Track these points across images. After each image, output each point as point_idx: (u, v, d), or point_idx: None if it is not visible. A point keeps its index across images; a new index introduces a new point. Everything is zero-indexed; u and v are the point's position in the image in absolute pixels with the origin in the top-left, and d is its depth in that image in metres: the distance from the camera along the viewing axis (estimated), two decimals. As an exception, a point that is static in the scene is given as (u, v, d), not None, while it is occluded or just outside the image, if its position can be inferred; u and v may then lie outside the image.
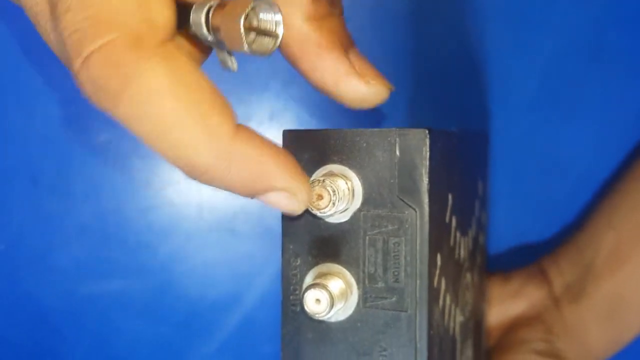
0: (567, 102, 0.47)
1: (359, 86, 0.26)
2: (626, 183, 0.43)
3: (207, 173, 0.21)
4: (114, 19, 0.19)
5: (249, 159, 0.21)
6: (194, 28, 0.23)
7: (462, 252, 0.34)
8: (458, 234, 0.32)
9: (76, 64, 0.19)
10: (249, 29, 0.23)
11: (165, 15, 0.21)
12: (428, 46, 0.48)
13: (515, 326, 0.42)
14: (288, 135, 0.27)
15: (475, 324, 0.38)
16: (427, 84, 0.48)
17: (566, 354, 0.40)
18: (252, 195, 0.23)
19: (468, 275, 0.35)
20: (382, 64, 0.48)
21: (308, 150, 0.27)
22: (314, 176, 0.26)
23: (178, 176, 0.47)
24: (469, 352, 0.36)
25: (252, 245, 0.47)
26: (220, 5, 0.23)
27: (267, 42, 0.24)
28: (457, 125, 0.45)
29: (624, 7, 0.47)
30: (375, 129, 0.26)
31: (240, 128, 0.21)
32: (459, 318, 0.33)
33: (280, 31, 0.24)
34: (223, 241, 0.46)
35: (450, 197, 0.29)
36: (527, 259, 0.47)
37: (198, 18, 0.23)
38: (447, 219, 0.29)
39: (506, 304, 0.43)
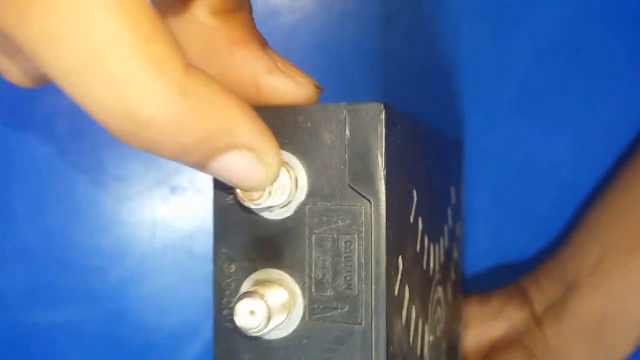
0: (548, 107, 0.44)
1: (286, 84, 0.22)
2: (610, 193, 0.41)
3: (152, 126, 0.15)
4: None
5: (208, 103, 0.16)
6: None
7: (433, 262, 0.29)
8: (427, 240, 0.28)
9: None
10: None
11: None
12: (399, 47, 0.44)
13: (494, 350, 0.39)
14: None
15: (449, 346, 0.34)
16: (398, 88, 0.45)
17: None
18: (205, 158, 0.17)
19: (440, 289, 0.31)
20: (351, 67, 0.46)
21: None
22: None
23: (129, 191, 0.43)
24: (442, 378, 0.31)
25: (211, 268, 0.43)
26: None
27: None
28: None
29: (602, 5, 0.44)
30: (320, 105, 0.22)
31: (192, 66, 0.16)
32: (429, 337, 0.28)
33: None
34: (180, 263, 0.43)
35: (415, 193, 0.25)
36: (506, 278, 0.44)
37: None
38: (411, 218, 0.25)
39: (485, 325, 0.40)
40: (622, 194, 0.40)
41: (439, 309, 0.31)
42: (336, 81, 0.43)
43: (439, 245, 0.31)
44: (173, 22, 0.22)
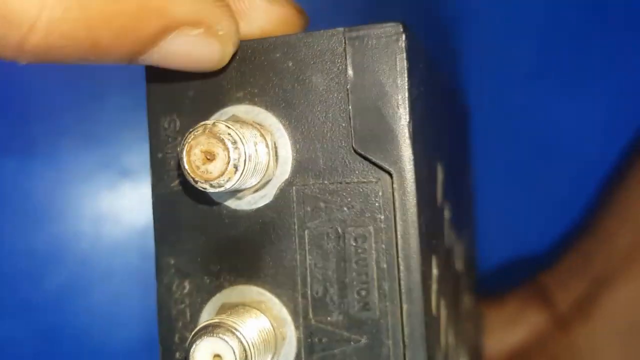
0: (568, 70, 0.38)
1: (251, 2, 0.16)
2: (638, 168, 0.36)
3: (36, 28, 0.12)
4: None
5: None
6: None
7: (458, 262, 0.22)
8: (453, 234, 0.20)
9: None
10: None
11: None
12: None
13: (514, 359, 0.35)
14: None
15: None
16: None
17: None
18: (133, 54, 0.14)
19: (466, 297, 0.24)
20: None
21: (192, 84, 0.15)
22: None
23: (67, 176, 0.36)
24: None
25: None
26: None
27: None
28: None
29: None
30: (305, 34, 0.15)
31: None
32: (463, 363, 0.21)
33: None
34: (131, 265, 0.37)
35: (439, 168, 0.18)
36: (521, 274, 0.38)
37: None
38: (438, 202, 0.17)
39: (502, 332, 0.36)
40: None
41: (466, 324, 0.24)
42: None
43: (462, 241, 0.24)
44: None
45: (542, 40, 0.38)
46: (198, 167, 0.13)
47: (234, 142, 0.13)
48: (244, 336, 0.13)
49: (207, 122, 0.13)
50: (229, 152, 0.13)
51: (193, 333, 0.13)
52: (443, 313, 0.17)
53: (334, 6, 0.39)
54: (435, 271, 0.16)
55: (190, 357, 0.13)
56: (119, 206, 0.37)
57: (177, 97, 0.15)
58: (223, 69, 0.15)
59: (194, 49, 0.14)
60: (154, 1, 0.13)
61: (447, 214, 0.19)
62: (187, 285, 0.15)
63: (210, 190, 0.13)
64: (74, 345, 0.36)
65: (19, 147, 0.36)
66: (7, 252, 0.36)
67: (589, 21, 0.38)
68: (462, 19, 0.39)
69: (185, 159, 0.13)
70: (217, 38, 0.14)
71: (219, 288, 0.15)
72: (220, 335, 0.13)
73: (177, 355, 0.15)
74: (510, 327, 0.36)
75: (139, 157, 0.36)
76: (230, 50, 0.15)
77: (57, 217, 0.36)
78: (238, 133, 0.13)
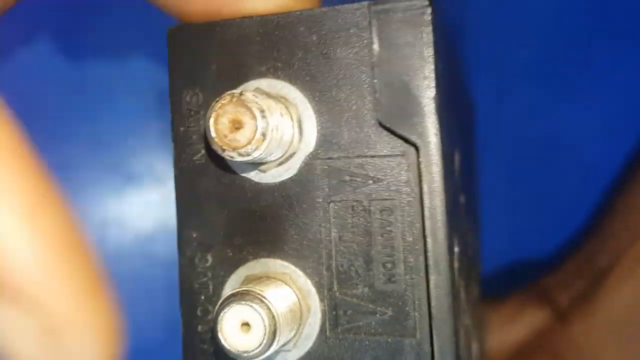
0: (571, 71, 0.37)
1: None
2: None
3: None
4: None
5: None
6: None
7: (470, 251, 0.22)
8: (466, 221, 0.20)
9: None
10: None
11: None
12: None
13: (516, 357, 0.35)
14: (176, 34, 0.15)
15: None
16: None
17: None
18: None
19: (475, 288, 0.24)
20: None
21: (215, 58, 0.15)
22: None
23: (71, 182, 0.35)
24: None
25: (177, 275, 0.36)
26: None
27: None
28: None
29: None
30: (330, 8, 0.15)
31: None
32: (475, 351, 0.21)
33: None
34: (137, 271, 0.36)
35: (456, 155, 0.18)
36: (523, 278, 0.38)
37: None
38: (457, 184, 0.17)
39: (502, 331, 0.36)
40: None
41: (476, 313, 0.24)
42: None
43: (472, 232, 0.24)
44: None
45: (547, 43, 0.38)
46: (226, 136, 0.13)
47: (262, 111, 0.13)
48: (272, 304, 0.13)
49: (234, 91, 0.13)
50: (256, 120, 0.13)
51: (221, 301, 0.13)
52: (462, 294, 0.16)
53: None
54: (456, 249, 0.16)
55: (218, 325, 0.13)
56: (125, 211, 0.36)
57: (200, 71, 0.15)
58: (246, 43, 0.15)
59: None
60: None
61: (462, 199, 0.19)
62: (209, 259, 0.15)
63: (238, 159, 0.13)
64: None
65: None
66: None
67: (594, 24, 0.38)
68: (466, 22, 0.39)
69: (212, 128, 0.13)
70: None
71: (242, 261, 0.15)
72: (250, 302, 0.13)
73: (199, 328, 0.15)
74: (511, 325, 0.36)
75: (145, 162, 0.36)
76: None
77: None
78: (265, 102, 0.13)
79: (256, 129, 0.13)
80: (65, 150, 0.36)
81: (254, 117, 0.13)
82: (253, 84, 0.15)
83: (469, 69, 0.38)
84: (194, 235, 0.15)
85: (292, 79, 0.15)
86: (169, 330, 0.36)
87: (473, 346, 0.21)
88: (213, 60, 0.15)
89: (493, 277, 0.39)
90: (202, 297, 0.15)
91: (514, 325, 0.36)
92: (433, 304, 0.14)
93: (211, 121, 0.13)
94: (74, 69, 0.35)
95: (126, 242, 0.36)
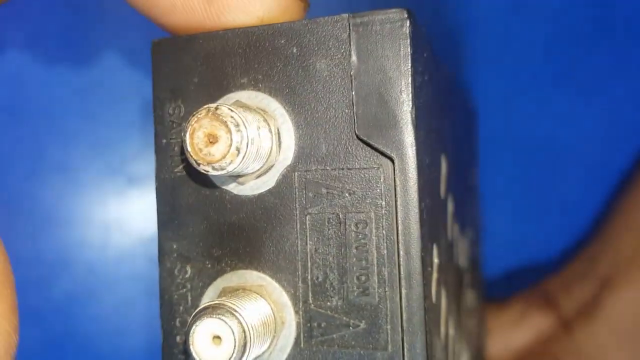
0: (573, 75, 0.38)
1: None
2: None
3: None
4: None
5: None
6: None
7: (462, 258, 0.22)
8: (456, 228, 0.20)
9: None
10: None
11: None
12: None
13: None
14: (160, 46, 0.15)
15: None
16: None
17: None
18: None
19: (470, 294, 0.24)
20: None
21: (197, 70, 0.15)
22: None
23: (75, 183, 0.36)
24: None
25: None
26: None
27: None
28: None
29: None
30: (310, 20, 0.15)
31: None
32: (465, 358, 0.21)
33: None
34: (138, 273, 0.36)
35: (443, 160, 0.18)
36: (526, 280, 0.38)
37: None
38: (442, 193, 0.17)
39: (505, 334, 0.36)
40: None
41: (469, 320, 0.24)
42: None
43: (466, 238, 0.24)
44: None
45: (549, 47, 0.38)
46: (201, 150, 0.13)
47: (237, 125, 0.13)
48: (243, 318, 0.13)
49: (211, 105, 0.14)
50: (231, 134, 0.13)
51: (193, 314, 0.13)
52: (444, 303, 0.17)
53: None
54: (436, 260, 0.16)
55: (190, 338, 0.13)
56: (127, 213, 0.36)
57: (182, 84, 0.16)
58: (228, 55, 0.15)
59: None
60: None
61: (450, 206, 0.19)
62: (189, 270, 0.15)
63: (213, 172, 0.13)
64: (80, 351, 0.36)
65: (29, 154, 0.36)
66: (15, 259, 0.37)
67: (596, 27, 0.38)
68: (469, 27, 0.38)
69: (188, 142, 0.13)
70: None
71: (220, 272, 0.15)
72: (220, 316, 0.13)
73: (178, 339, 0.15)
74: (515, 328, 0.35)
75: (147, 164, 0.36)
76: None
77: (65, 223, 0.36)
78: (241, 116, 0.13)
79: (231, 143, 0.13)
80: (68, 152, 0.36)
81: (229, 132, 0.13)
82: (233, 96, 0.15)
83: (471, 77, 0.38)
84: (174, 246, 0.15)
85: (272, 91, 0.15)
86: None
87: (464, 354, 0.21)
88: (195, 72, 0.15)
89: (495, 281, 0.39)
90: (181, 308, 0.15)
91: (517, 330, 0.35)
92: (405, 317, 0.14)
93: (187, 135, 0.13)
94: (78, 71, 0.35)
95: (128, 243, 0.36)
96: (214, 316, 0.13)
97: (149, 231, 0.36)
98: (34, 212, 0.36)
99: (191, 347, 0.13)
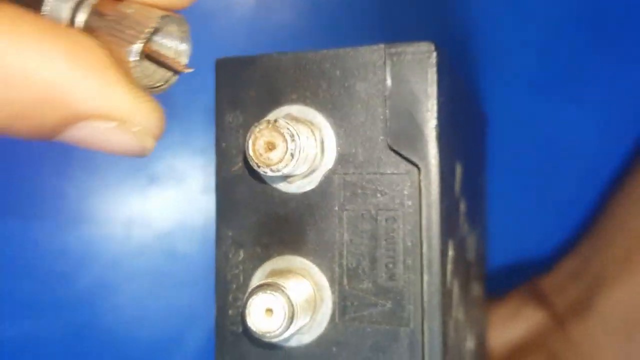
0: (568, 80, 0.39)
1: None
2: (638, 177, 0.37)
3: None
4: None
5: (13, 56, 0.12)
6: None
7: (470, 253, 0.25)
8: (466, 226, 0.23)
9: None
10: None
11: None
12: (412, 18, 0.39)
13: (514, 355, 0.36)
14: (223, 65, 0.18)
15: (481, 356, 0.29)
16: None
17: None
18: (45, 134, 0.13)
19: (475, 286, 0.26)
20: (365, 36, 0.40)
21: (254, 86, 0.18)
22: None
23: (100, 182, 0.37)
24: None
25: (195, 270, 0.37)
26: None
27: (159, 77, 0.15)
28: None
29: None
30: (352, 48, 0.17)
31: None
32: (470, 344, 0.24)
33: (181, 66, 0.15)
34: (159, 266, 0.37)
35: (458, 166, 0.20)
36: (520, 277, 0.39)
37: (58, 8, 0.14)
38: (456, 195, 0.20)
39: (501, 328, 0.37)
40: None
41: (475, 310, 0.26)
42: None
43: (475, 235, 0.27)
44: None
45: (547, 52, 0.38)
46: (261, 155, 0.16)
47: (292, 136, 0.16)
48: (290, 294, 0.16)
49: (270, 118, 0.16)
50: (287, 143, 0.16)
51: (249, 291, 0.16)
52: (456, 291, 0.19)
53: (353, 18, 0.39)
54: (451, 253, 0.18)
55: (246, 310, 0.16)
56: (147, 210, 0.37)
57: (241, 96, 0.18)
58: (281, 75, 0.18)
59: (108, 139, 0.13)
60: (55, 93, 0.12)
61: (462, 207, 0.22)
62: (241, 254, 0.18)
63: (270, 174, 0.16)
64: (102, 342, 0.37)
65: (56, 153, 0.37)
66: (42, 252, 0.37)
67: (594, 33, 0.38)
68: (473, 37, 0.40)
69: (251, 148, 0.16)
70: (131, 134, 0.13)
71: (268, 257, 0.18)
72: (273, 292, 0.16)
73: (230, 312, 0.18)
74: (510, 323, 0.36)
75: (166, 164, 0.37)
76: (150, 144, 0.14)
77: (89, 219, 0.37)
78: (295, 128, 0.16)
79: (287, 150, 0.16)
80: (93, 152, 0.38)
81: (285, 141, 0.16)
82: (285, 109, 0.18)
83: (479, 82, 0.39)
84: (229, 233, 0.18)
85: (318, 106, 0.18)
86: (186, 323, 0.38)
87: (468, 340, 0.24)
88: (253, 87, 0.18)
89: (492, 277, 0.41)
90: (234, 286, 0.18)
91: (512, 325, 0.36)
92: (425, 299, 0.17)
93: (250, 142, 0.16)
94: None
95: (148, 238, 0.37)
96: (268, 292, 0.16)
97: (168, 226, 0.37)
98: (61, 208, 0.37)
99: (247, 317, 0.16)
